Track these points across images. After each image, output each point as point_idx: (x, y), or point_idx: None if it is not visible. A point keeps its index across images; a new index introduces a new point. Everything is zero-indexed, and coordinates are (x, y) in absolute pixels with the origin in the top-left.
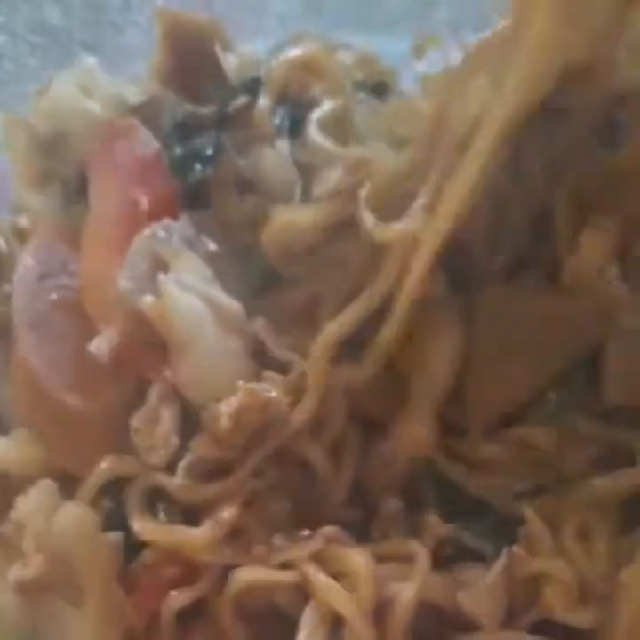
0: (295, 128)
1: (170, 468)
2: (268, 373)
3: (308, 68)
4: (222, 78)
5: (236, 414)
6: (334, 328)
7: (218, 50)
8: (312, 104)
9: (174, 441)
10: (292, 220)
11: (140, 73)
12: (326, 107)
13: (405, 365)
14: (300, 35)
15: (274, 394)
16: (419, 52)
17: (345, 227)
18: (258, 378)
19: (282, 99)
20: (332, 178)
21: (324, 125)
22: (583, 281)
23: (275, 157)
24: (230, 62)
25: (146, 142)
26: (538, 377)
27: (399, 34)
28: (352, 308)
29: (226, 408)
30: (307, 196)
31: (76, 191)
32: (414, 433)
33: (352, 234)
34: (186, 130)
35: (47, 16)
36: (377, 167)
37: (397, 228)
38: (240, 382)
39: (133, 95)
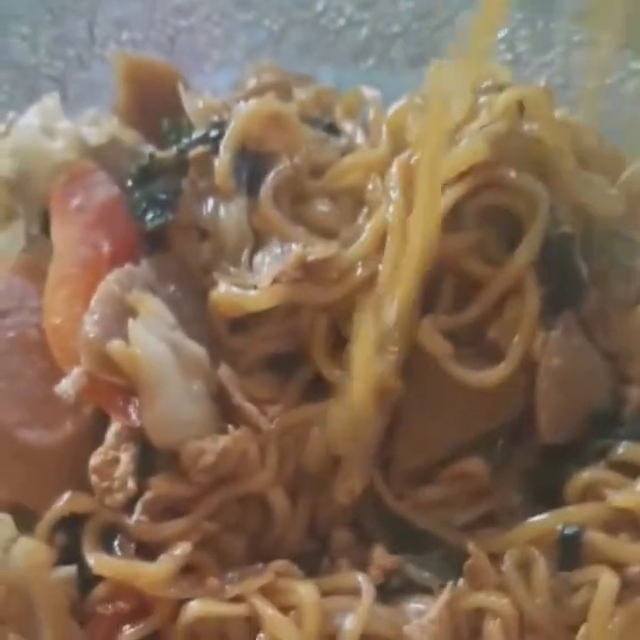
0: (254, 183)
1: (127, 504)
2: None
3: (270, 120)
4: (183, 123)
5: (222, 453)
6: None
7: (180, 92)
8: (271, 159)
9: (131, 485)
10: (238, 302)
11: (105, 107)
12: (282, 169)
13: None
14: (261, 67)
15: (252, 446)
16: None
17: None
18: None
19: (242, 150)
20: (274, 268)
21: (279, 189)
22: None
23: (231, 213)
24: (192, 105)
25: (105, 186)
26: (466, 436)
27: (362, 66)
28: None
29: (212, 445)
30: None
31: (39, 229)
32: (347, 487)
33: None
34: (146, 173)
35: (14, 52)
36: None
37: None
38: (229, 426)
39: (94, 136)
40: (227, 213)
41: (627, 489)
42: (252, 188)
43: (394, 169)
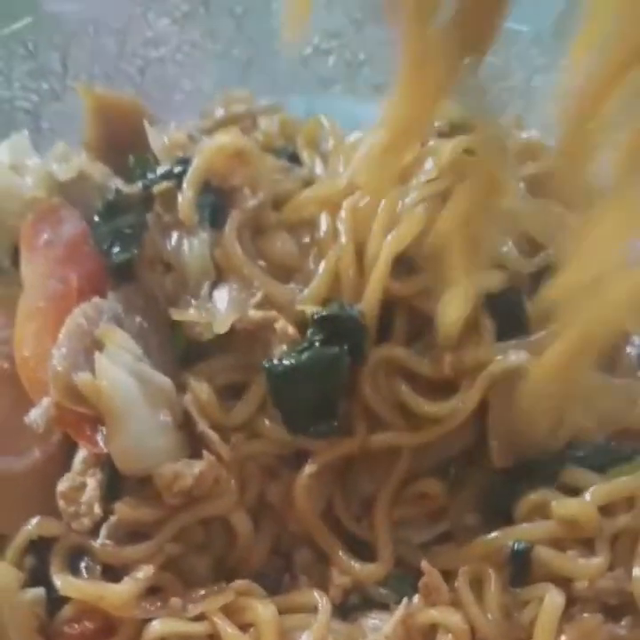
0: (217, 218)
1: (93, 528)
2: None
3: (233, 156)
4: (149, 158)
5: (199, 477)
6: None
7: (146, 128)
8: (234, 194)
9: (97, 511)
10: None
11: (79, 138)
12: (246, 206)
13: None
14: (230, 97)
15: (224, 471)
16: None
17: None
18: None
19: (205, 185)
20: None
21: (242, 225)
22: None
23: (194, 247)
24: (158, 141)
25: (73, 221)
26: (421, 465)
27: (333, 94)
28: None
29: (189, 469)
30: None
31: (10, 262)
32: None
33: None
34: (113, 208)
35: None
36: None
37: None
38: (204, 452)
39: (62, 172)
40: (189, 247)
41: (570, 501)
42: (216, 222)
43: (342, 213)
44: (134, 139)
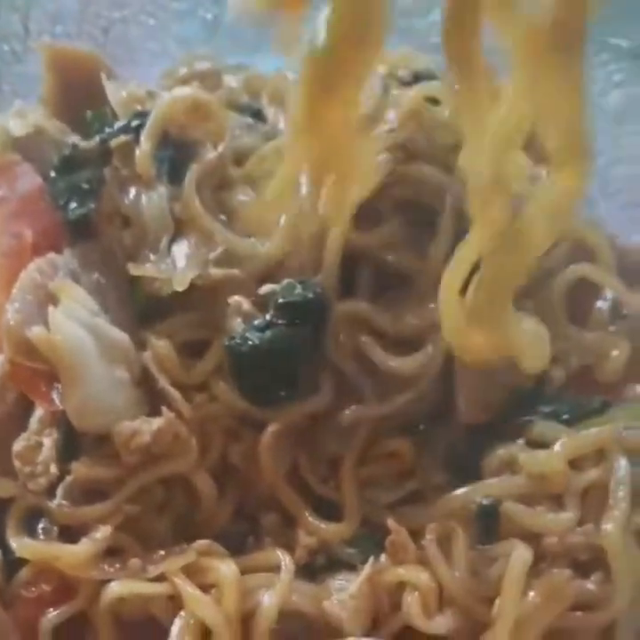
0: (176, 172)
1: (50, 488)
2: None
3: (192, 109)
4: (106, 113)
5: (157, 434)
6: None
7: (103, 82)
8: (193, 147)
9: (54, 470)
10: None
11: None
12: (206, 159)
13: None
14: (192, 56)
15: (184, 429)
16: None
17: None
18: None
19: (164, 139)
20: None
21: (202, 179)
22: None
23: (153, 201)
24: (116, 95)
25: (28, 177)
26: (388, 423)
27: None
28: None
29: (147, 426)
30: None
31: None
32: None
33: None
34: (69, 163)
35: None
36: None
37: None
38: (163, 408)
39: (18, 127)
40: (148, 201)
41: (539, 453)
42: (175, 176)
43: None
44: (92, 92)
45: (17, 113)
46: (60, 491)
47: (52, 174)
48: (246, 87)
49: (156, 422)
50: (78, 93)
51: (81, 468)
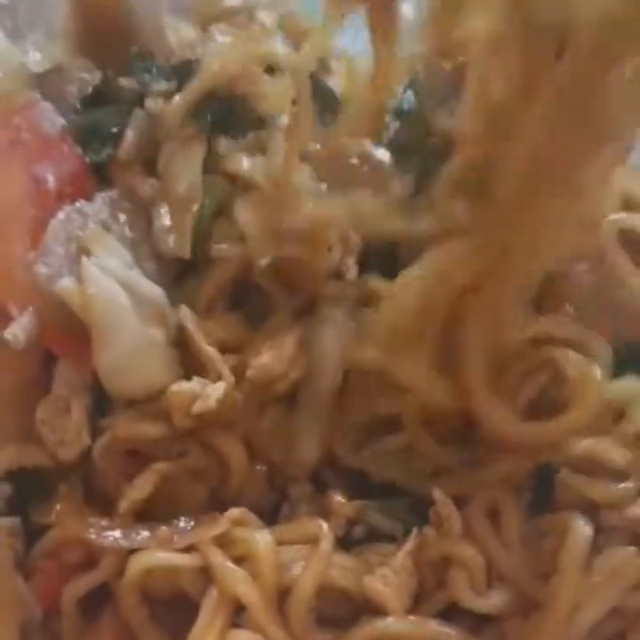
0: (218, 131)
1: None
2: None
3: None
4: (151, 52)
5: (222, 400)
6: None
7: (163, 21)
8: (242, 106)
9: (85, 438)
10: None
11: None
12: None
13: None
14: None
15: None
16: None
17: None
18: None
19: (208, 94)
20: None
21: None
22: None
23: (186, 164)
24: (166, 38)
25: (49, 117)
26: None
27: None
28: None
29: (213, 391)
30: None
31: None
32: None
33: None
34: (97, 98)
35: None
36: None
37: None
38: (225, 373)
39: (37, 63)
40: (183, 160)
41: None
42: (214, 137)
43: None
44: (118, 25)
45: (36, 47)
46: (96, 450)
47: (75, 116)
48: (281, 25)
49: (219, 387)
50: (102, 26)
51: (123, 425)
